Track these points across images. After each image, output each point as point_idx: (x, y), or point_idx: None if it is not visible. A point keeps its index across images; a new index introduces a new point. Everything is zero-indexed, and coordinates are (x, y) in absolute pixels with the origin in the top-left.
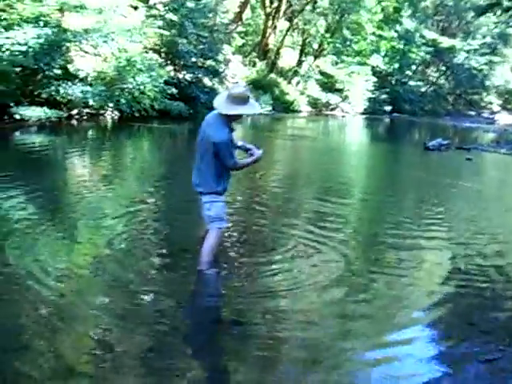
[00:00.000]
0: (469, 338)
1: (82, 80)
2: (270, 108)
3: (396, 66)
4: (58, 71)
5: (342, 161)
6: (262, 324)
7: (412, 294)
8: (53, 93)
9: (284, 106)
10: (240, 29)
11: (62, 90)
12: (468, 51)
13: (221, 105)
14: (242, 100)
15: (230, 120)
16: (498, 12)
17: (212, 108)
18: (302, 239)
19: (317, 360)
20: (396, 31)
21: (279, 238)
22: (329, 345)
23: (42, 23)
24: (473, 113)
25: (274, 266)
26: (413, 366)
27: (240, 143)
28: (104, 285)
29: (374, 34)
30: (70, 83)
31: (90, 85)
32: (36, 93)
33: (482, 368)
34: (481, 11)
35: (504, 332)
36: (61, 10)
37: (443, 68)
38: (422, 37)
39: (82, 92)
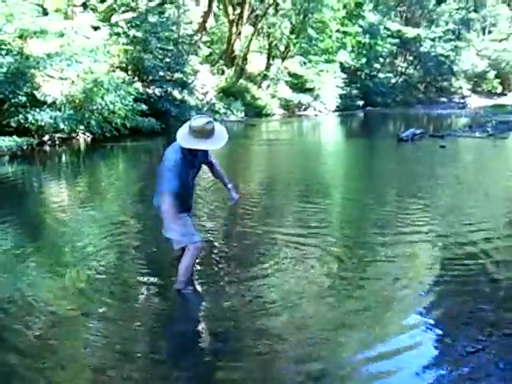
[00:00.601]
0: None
1: (50, 105)
2: (243, 114)
3: (363, 60)
4: (25, 98)
5: (318, 161)
6: (244, 341)
7: (405, 297)
8: (21, 120)
9: (256, 111)
10: (205, 38)
11: (30, 117)
12: (433, 39)
13: (182, 136)
14: (203, 134)
15: (189, 150)
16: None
17: (184, 121)
18: (288, 246)
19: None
20: (360, 26)
21: (265, 245)
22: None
23: (3, 52)
24: (444, 99)
25: (259, 280)
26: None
27: (227, 181)
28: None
29: (338, 31)
30: (38, 109)
31: (59, 109)
32: (4, 122)
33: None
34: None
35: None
36: (21, 37)
37: (411, 58)
38: (387, 29)
39: (50, 117)
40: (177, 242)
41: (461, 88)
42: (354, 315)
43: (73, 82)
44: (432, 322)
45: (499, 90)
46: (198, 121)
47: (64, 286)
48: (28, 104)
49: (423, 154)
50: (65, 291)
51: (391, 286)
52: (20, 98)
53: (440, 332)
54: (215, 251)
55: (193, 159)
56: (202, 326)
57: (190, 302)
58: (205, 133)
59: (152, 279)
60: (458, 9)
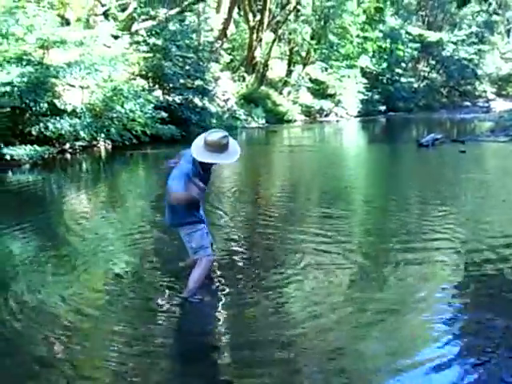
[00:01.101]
0: None
1: (70, 114)
2: (264, 121)
3: (385, 65)
4: (45, 107)
5: (339, 167)
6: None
7: (427, 308)
8: (42, 129)
9: (277, 118)
10: (226, 45)
11: (50, 126)
12: (455, 43)
13: (197, 149)
14: (217, 148)
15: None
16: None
17: (204, 128)
18: (310, 253)
19: None
20: (381, 31)
21: (286, 252)
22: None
23: (24, 62)
24: (468, 103)
25: (279, 288)
26: None
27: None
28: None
29: (358, 36)
30: (58, 118)
31: (79, 117)
32: (26, 131)
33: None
34: (461, 2)
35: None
36: (42, 47)
37: (433, 62)
38: (408, 33)
39: (70, 125)
40: (193, 252)
41: (485, 92)
42: (374, 326)
43: (93, 90)
44: (456, 333)
45: None
46: (213, 135)
47: (83, 292)
48: (49, 113)
49: (442, 160)
50: (83, 296)
51: (411, 295)
52: (41, 106)
53: (462, 343)
54: (236, 258)
55: (205, 175)
56: (220, 336)
57: (202, 311)
58: (220, 146)
59: (171, 285)
60: (478, 11)
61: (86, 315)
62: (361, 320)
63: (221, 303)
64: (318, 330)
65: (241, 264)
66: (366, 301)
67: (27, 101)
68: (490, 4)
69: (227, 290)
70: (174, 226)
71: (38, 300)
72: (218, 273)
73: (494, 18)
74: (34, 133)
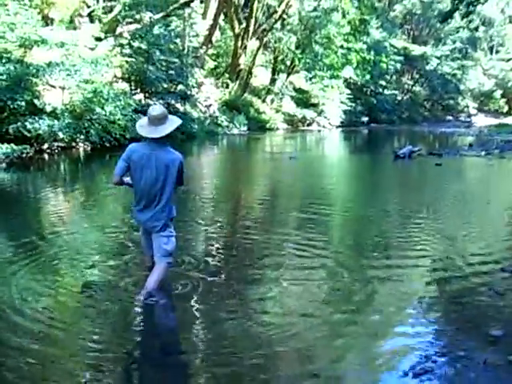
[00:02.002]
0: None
1: (49, 114)
2: (246, 128)
3: (368, 76)
4: (24, 106)
5: (317, 176)
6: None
7: (406, 315)
8: (20, 128)
9: (260, 125)
10: (211, 51)
11: (28, 125)
12: (439, 57)
13: (152, 130)
14: (165, 118)
15: (165, 141)
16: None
17: (184, 133)
18: (287, 268)
19: None
20: (365, 43)
21: (264, 266)
22: None
23: (4, 60)
24: (450, 117)
25: (256, 301)
26: None
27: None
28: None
29: (342, 47)
30: (36, 118)
31: (58, 118)
32: (4, 130)
33: None
34: (443, 17)
35: None
36: (23, 46)
37: (417, 75)
38: (393, 46)
39: (49, 126)
40: (164, 255)
41: (467, 107)
42: (350, 347)
43: (73, 91)
44: (428, 343)
45: (505, 109)
46: (158, 109)
47: (57, 294)
48: (27, 112)
49: (416, 172)
50: (58, 299)
51: (387, 311)
52: (19, 105)
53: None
54: (212, 267)
55: None
56: (189, 348)
57: (163, 314)
58: (166, 116)
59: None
60: (459, 28)
61: (57, 321)
62: (336, 344)
63: (184, 309)
64: (294, 350)
65: (217, 271)
66: (343, 321)
67: (5, 98)
68: (471, 21)
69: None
70: (151, 223)
71: (7, 305)
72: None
73: (478, 34)
74: (11, 131)
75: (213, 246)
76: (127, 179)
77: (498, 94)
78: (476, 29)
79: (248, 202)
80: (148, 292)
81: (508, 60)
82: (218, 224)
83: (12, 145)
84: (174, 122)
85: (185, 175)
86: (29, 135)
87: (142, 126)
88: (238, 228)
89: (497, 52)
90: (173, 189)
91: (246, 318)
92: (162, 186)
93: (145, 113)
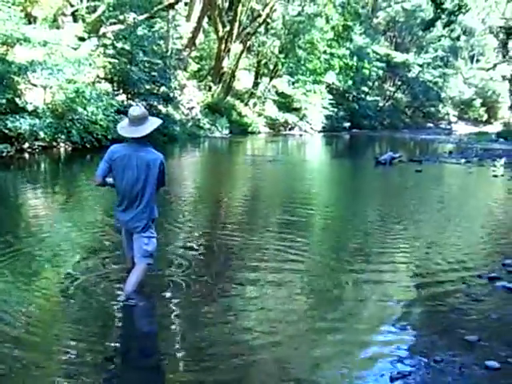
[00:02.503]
0: None
1: (31, 113)
2: (228, 131)
3: (350, 82)
4: (5, 104)
5: (297, 180)
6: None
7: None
8: (1, 127)
9: (242, 129)
10: (194, 54)
11: (9, 124)
12: (421, 65)
13: (133, 130)
14: (146, 118)
15: (145, 142)
16: (441, 26)
17: (166, 135)
18: (266, 271)
19: None
20: (348, 48)
21: (244, 269)
22: None
23: None
24: (431, 124)
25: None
26: None
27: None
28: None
29: (325, 52)
30: (17, 116)
31: (39, 117)
32: None
33: None
34: (425, 26)
35: None
36: (5, 44)
37: (399, 82)
38: (375, 53)
39: (29, 125)
40: (144, 255)
41: (448, 114)
42: (333, 355)
43: (55, 91)
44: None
45: (485, 118)
46: (138, 109)
47: (33, 297)
48: (8, 110)
49: (396, 178)
50: (34, 302)
51: (367, 315)
52: (0, 102)
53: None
54: (194, 270)
55: None
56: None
57: (141, 315)
58: (146, 116)
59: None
60: (441, 36)
61: (34, 325)
62: (316, 350)
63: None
64: (275, 358)
65: (194, 280)
66: (323, 328)
67: None
68: (453, 30)
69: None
70: (132, 224)
71: None
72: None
73: (459, 43)
74: None
75: (193, 248)
76: (109, 180)
77: (477, 102)
78: (457, 38)
79: (229, 204)
80: (127, 293)
81: (488, 69)
82: (199, 226)
83: None
84: (154, 122)
85: (166, 177)
86: (10, 134)
87: (123, 127)
88: (219, 231)
89: (477, 61)
90: (154, 190)
91: (227, 321)
92: (142, 186)
93: (126, 114)
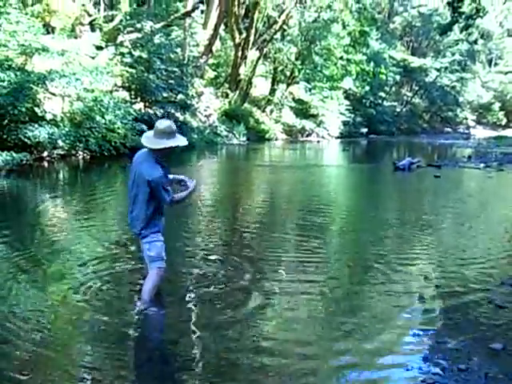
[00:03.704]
0: None
1: (49, 122)
2: (245, 138)
3: (367, 88)
4: (24, 113)
5: (316, 186)
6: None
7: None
8: (20, 136)
9: (259, 136)
10: (211, 61)
11: (29, 133)
12: (439, 69)
13: (149, 141)
14: (168, 134)
15: (160, 156)
16: (458, 30)
17: (189, 143)
18: (281, 280)
19: None
20: (364, 54)
21: (258, 276)
22: None
23: (5, 67)
24: (449, 129)
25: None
26: None
27: (171, 176)
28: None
29: (341, 58)
30: (36, 125)
31: (58, 126)
32: (4, 137)
33: None
34: (442, 30)
35: None
36: (24, 54)
37: (416, 87)
38: (392, 58)
39: (48, 134)
40: (156, 258)
41: (466, 119)
42: (352, 352)
43: (73, 100)
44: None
45: (504, 121)
46: (163, 122)
47: (56, 303)
48: (27, 119)
49: (416, 184)
50: (52, 310)
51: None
52: (20, 111)
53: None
54: (210, 277)
55: (165, 173)
56: (187, 349)
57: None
58: (170, 132)
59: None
60: (458, 40)
61: (48, 332)
62: (335, 360)
63: (182, 316)
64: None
65: (210, 287)
66: (342, 335)
67: (5, 104)
68: (470, 34)
69: (190, 305)
70: (134, 230)
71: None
72: (181, 286)
73: (477, 47)
74: (11, 139)
75: (209, 255)
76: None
77: (496, 106)
78: (475, 42)
79: (248, 210)
80: (144, 302)
81: (506, 73)
82: (215, 233)
83: (12, 152)
84: (178, 140)
85: (166, 195)
86: (29, 143)
87: (146, 136)
88: (235, 238)
89: (495, 65)
90: (148, 201)
91: (244, 326)
92: (136, 193)
93: (145, 121)
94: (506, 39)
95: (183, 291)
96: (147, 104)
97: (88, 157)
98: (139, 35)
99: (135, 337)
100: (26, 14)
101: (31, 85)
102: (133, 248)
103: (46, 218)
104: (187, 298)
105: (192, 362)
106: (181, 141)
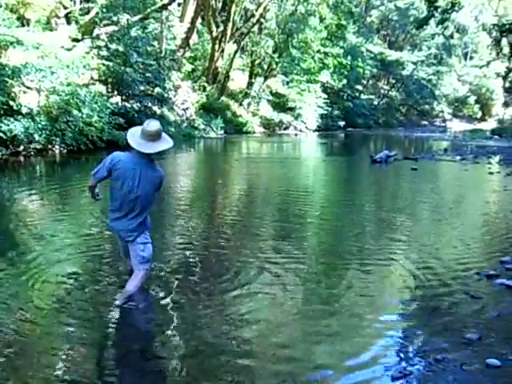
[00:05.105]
0: None
1: (25, 116)
2: (222, 132)
3: (345, 81)
4: None
5: (294, 179)
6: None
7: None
8: None
9: (236, 129)
10: (188, 54)
11: (4, 127)
12: (415, 63)
13: (141, 144)
14: (158, 136)
15: (147, 155)
16: (434, 24)
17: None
18: (260, 273)
19: None
20: (342, 47)
21: (238, 270)
22: None
23: None
24: (425, 122)
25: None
26: None
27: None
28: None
29: (319, 51)
30: (12, 119)
31: (34, 120)
32: None
33: None
34: (419, 24)
35: None
36: None
37: (393, 80)
38: (369, 51)
39: (24, 128)
40: (141, 261)
41: (442, 112)
42: (330, 343)
43: (49, 93)
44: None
45: (479, 115)
46: (153, 125)
47: (32, 300)
48: (2, 113)
49: (393, 176)
50: (32, 306)
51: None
52: None
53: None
54: (190, 273)
55: None
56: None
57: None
58: (160, 134)
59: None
60: (434, 34)
61: (33, 324)
62: (315, 348)
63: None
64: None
65: (191, 283)
66: (324, 332)
67: None
68: (446, 28)
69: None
70: (128, 233)
71: None
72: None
73: (453, 41)
74: None
75: (189, 251)
76: (97, 191)
77: (472, 99)
78: (451, 36)
79: (226, 203)
80: (126, 296)
81: (481, 67)
82: (194, 229)
83: None
84: (167, 142)
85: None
86: (4, 137)
87: (137, 141)
88: (214, 233)
89: (471, 58)
90: (152, 202)
91: (225, 324)
92: (143, 198)
93: (122, 115)
94: (480, 33)
95: (163, 288)
96: (124, 97)
97: (65, 151)
98: (116, 28)
99: (115, 331)
100: (0, 6)
101: (6, 78)
102: (112, 242)
103: (22, 213)
104: (167, 298)
105: (169, 362)
106: (169, 142)
